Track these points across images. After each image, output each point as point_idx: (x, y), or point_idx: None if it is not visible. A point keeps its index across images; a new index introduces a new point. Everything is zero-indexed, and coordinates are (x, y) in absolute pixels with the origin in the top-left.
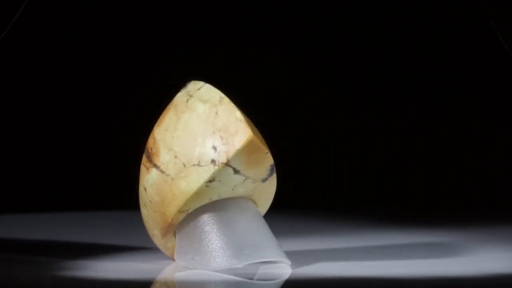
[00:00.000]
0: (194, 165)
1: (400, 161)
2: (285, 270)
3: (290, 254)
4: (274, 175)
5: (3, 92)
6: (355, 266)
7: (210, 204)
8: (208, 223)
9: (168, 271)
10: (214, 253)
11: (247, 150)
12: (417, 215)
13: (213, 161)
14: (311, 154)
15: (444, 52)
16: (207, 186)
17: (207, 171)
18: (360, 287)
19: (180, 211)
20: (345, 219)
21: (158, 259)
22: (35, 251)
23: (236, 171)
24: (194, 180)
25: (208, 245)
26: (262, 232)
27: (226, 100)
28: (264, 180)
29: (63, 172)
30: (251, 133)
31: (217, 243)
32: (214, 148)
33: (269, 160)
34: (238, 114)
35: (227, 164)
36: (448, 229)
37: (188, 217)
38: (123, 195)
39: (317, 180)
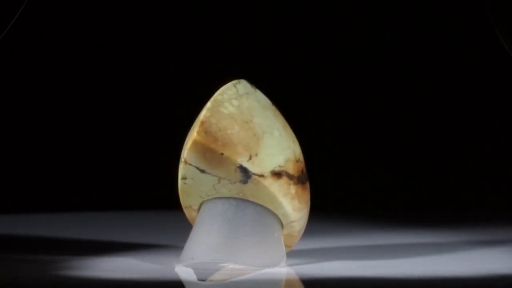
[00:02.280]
0: (180, 162)
1: (400, 162)
2: (282, 270)
3: (290, 254)
4: (256, 177)
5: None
6: (353, 266)
7: (210, 203)
8: (200, 221)
9: (170, 270)
10: (198, 248)
11: (194, 150)
12: (417, 215)
13: (180, 159)
14: (312, 155)
15: (443, 53)
16: (184, 183)
17: (179, 169)
18: (359, 287)
19: (184, 207)
20: (344, 220)
21: (160, 258)
22: (35, 251)
23: (201, 171)
24: (178, 177)
25: (197, 240)
26: (248, 236)
27: (212, 99)
28: (243, 181)
29: (65, 172)
30: (195, 134)
31: (202, 238)
32: (184, 145)
33: (231, 161)
34: (202, 114)
35: (186, 162)
36: (448, 230)
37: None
38: (126, 195)
39: (317, 181)
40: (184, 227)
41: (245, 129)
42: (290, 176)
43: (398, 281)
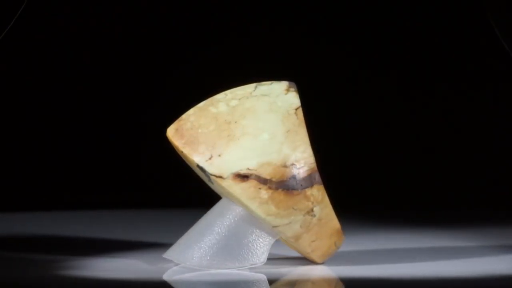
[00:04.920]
0: None
1: (401, 163)
2: (289, 269)
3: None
4: (214, 178)
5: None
6: (359, 267)
7: (220, 202)
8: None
9: (169, 270)
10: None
11: (172, 145)
12: (416, 215)
13: None
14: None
15: (443, 53)
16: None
17: None
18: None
19: None
20: (343, 220)
21: (159, 258)
22: (35, 251)
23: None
24: None
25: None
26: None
27: (211, 97)
28: (210, 181)
29: (66, 172)
30: (167, 130)
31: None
32: None
33: (189, 160)
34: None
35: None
36: (448, 230)
37: None
38: (125, 194)
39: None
40: (184, 225)
41: (221, 129)
42: (262, 180)
43: (399, 282)
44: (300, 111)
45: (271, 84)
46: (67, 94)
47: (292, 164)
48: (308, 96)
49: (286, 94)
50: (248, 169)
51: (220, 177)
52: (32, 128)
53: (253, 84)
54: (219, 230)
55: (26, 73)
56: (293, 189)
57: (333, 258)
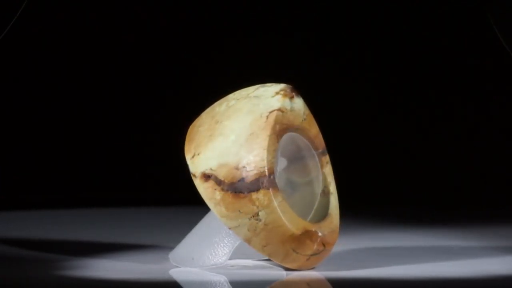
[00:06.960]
0: None
1: (400, 163)
2: (284, 271)
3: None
4: (192, 176)
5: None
6: (357, 268)
7: None
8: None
9: (169, 270)
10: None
11: None
12: (415, 215)
13: None
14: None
15: (443, 53)
16: None
17: None
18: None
19: None
20: (345, 221)
21: (159, 258)
22: (35, 249)
23: None
24: None
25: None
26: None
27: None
28: None
29: (67, 171)
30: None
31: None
32: None
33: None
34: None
35: None
36: (448, 230)
37: None
38: (124, 193)
39: None
40: (184, 225)
41: (209, 128)
42: (218, 181)
43: (399, 282)
44: (273, 115)
45: (270, 86)
46: (67, 94)
47: (243, 167)
48: (309, 96)
49: (273, 96)
50: (211, 169)
51: (194, 175)
52: (33, 128)
53: (258, 86)
54: (218, 231)
55: (26, 73)
56: (240, 192)
57: (331, 258)
